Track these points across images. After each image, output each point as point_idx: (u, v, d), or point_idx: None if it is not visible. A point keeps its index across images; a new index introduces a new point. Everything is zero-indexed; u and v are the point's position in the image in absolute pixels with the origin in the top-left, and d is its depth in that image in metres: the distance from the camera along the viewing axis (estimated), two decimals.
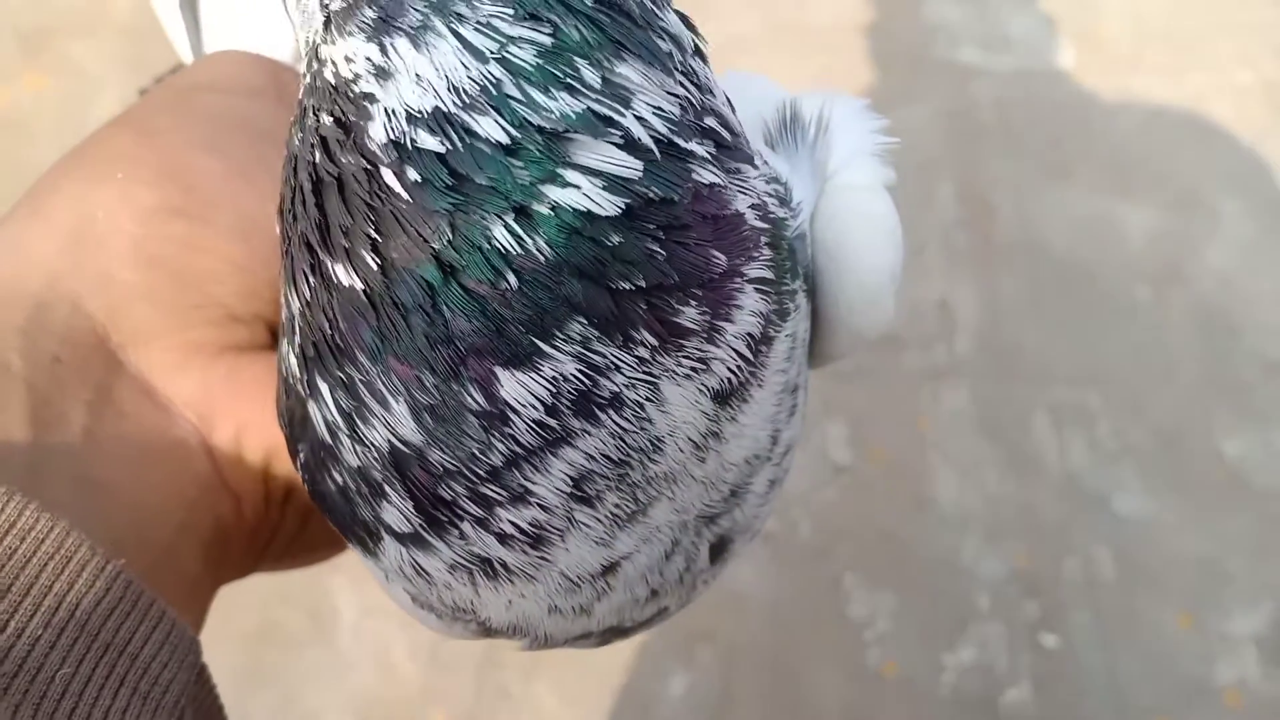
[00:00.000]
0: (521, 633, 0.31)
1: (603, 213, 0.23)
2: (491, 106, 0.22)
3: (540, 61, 0.22)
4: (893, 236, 0.32)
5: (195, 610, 0.36)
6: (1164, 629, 1.05)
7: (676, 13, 0.26)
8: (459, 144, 0.22)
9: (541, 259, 0.23)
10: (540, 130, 0.22)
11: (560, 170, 0.22)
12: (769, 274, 0.26)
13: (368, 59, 0.23)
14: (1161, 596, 1.07)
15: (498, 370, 0.23)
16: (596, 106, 0.23)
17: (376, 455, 0.26)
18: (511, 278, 0.23)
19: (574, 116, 0.22)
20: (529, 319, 0.23)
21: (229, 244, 0.36)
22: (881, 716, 1.00)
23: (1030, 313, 1.28)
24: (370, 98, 0.23)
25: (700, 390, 0.25)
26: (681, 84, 0.24)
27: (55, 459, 0.32)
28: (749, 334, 0.25)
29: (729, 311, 0.25)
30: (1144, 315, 1.29)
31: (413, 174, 0.23)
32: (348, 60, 0.23)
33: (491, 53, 0.22)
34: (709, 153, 0.24)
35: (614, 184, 0.23)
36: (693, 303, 0.24)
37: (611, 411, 0.24)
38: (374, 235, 0.23)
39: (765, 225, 0.26)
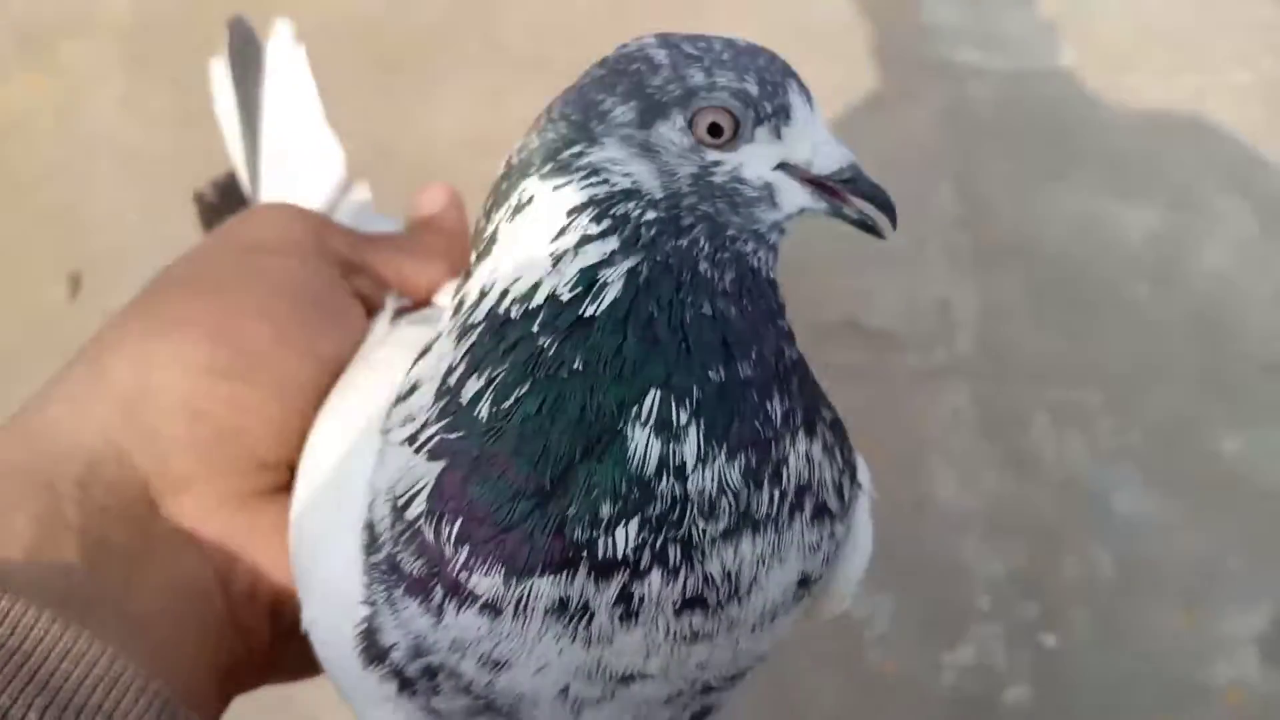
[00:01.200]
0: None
1: None
2: None
3: None
4: (869, 547, 0.43)
5: None
6: (1163, 628, 1.05)
7: None
8: None
9: None
10: None
11: None
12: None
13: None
14: (1161, 596, 1.07)
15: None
16: None
17: None
18: None
19: None
20: None
21: (269, 402, 0.42)
22: (881, 716, 1.00)
23: (1029, 312, 1.28)
24: None
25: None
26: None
27: (102, 596, 0.37)
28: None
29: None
30: (1142, 314, 1.29)
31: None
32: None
33: None
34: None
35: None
36: None
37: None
38: None
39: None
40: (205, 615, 0.40)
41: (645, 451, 0.34)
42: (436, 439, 0.35)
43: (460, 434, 0.35)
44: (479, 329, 0.36)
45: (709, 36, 0.38)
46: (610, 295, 0.35)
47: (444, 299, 0.48)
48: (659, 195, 0.36)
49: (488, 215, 0.38)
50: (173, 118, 1.36)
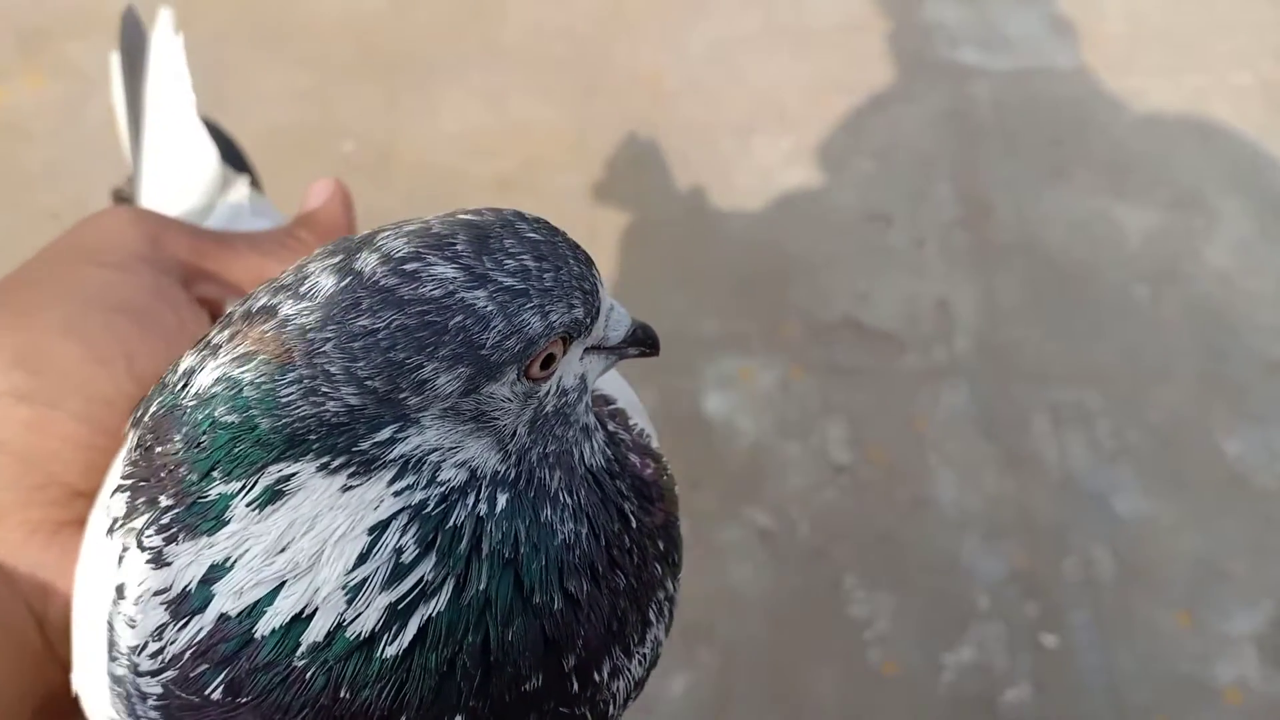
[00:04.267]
0: None
1: None
2: None
3: None
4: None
5: None
6: (1163, 628, 1.05)
7: None
8: None
9: None
10: None
11: None
12: None
13: None
14: (1160, 596, 1.07)
15: None
16: None
17: None
18: None
19: None
20: None
21: (75, 425, 0.39)
22: (881, 716, 1.00)
23: (1029, 312, 1.28)
24: None
25: None
26: None
27: None
28: None
29: None
30: (1142, 315, 1.29)
31: None
32: None
33: None
34: None
35: None
36: None
37: None
38: None
39: None
40: (19, 652, 0.38)
41: None
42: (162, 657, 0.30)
43: (190, 693, 0.29)
44: (201, 629, 0.29)
45: (491, 231, 0.30)
46: (414, 629, 0.29)
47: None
48: (503, 468, 0.30)
49: (198, 469, 0.28)
50: None
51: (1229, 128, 1.48)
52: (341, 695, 0.28)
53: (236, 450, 0.28)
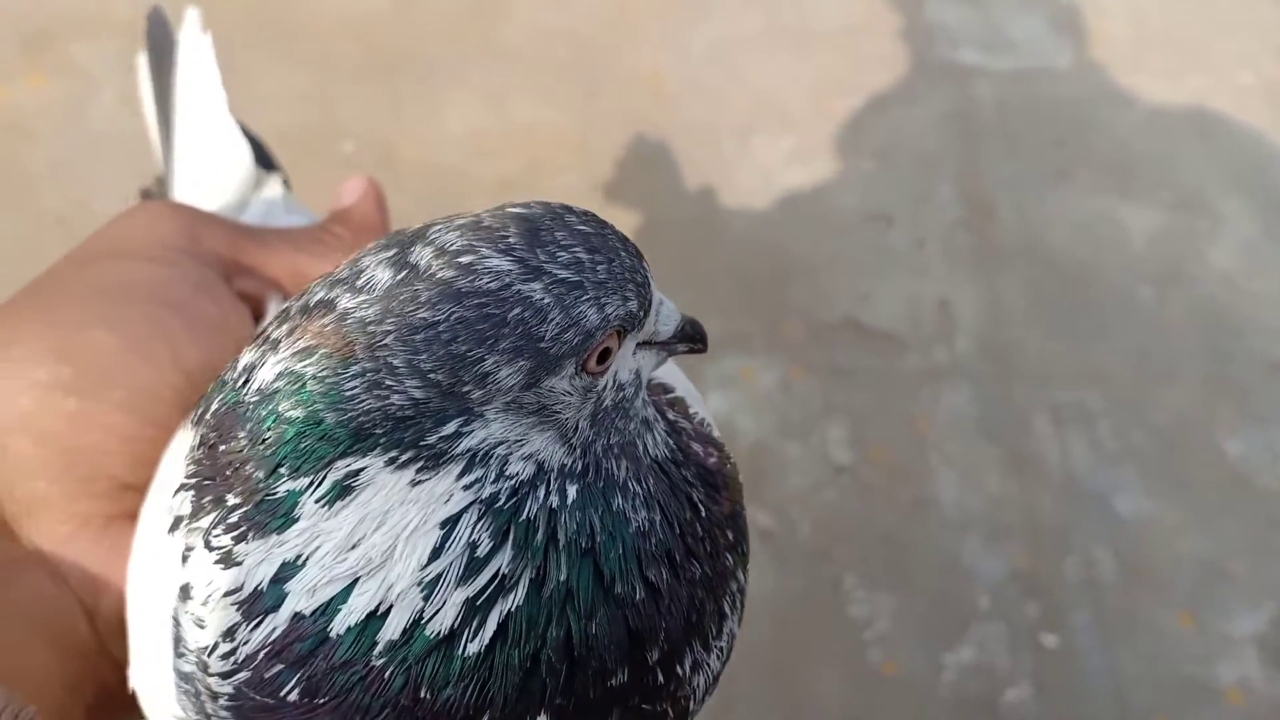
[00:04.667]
0: None
1: None
2: None
3: None
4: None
5: None
6: (1165, 629, 1.05)
7: None
8: None
9: None
10: None
11: None
12: None
13: None
14: (1162, 597, 1.07)
15: None
16: None
17: None
18: None
19: None
20: None
21: (119, 417, 0.38)
22: (881, 716, 1.00)
23: (1031, 313, 1.28)
24: None
25: None
26: None
27: None
28: None
29: None
30: (1145, 316, 1.29)
31: None
32: None
33: None
34: None
35: None
36: None
37: None
38: None
39: None
40: (70, 647, 0.37)
41: None
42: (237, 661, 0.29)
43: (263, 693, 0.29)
44: (275, 629, 0.28)
45: (541, 224, 0.30)
46: (494, 625, 0.28)
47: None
48: (569, 460, 0.30)
49: (265, 466, 0.28)
50: None
51: (1232, 128, 1.47)
52: (422, 695, 0.28)
53: (303, 445, 0.28)
